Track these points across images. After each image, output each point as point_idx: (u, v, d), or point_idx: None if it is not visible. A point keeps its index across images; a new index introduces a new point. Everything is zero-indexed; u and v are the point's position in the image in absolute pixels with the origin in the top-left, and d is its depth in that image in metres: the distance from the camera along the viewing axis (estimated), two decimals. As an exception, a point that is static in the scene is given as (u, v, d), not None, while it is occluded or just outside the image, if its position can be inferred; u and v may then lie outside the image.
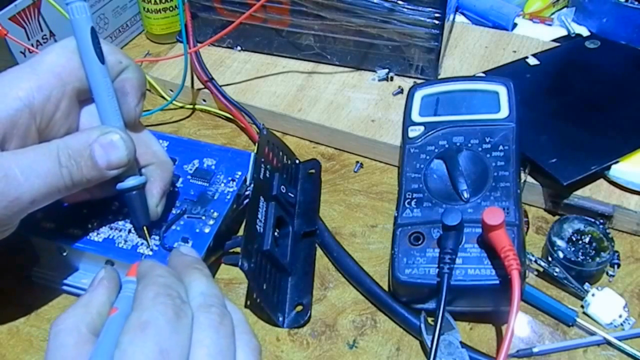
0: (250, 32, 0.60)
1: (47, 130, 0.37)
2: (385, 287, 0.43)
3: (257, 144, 0.46)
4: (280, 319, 0.41)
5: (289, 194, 0.47)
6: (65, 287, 0.43)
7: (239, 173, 0.46)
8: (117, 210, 0.43)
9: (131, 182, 0.39)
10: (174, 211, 0.43)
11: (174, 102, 0.59)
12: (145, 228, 0.41)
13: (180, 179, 0.46)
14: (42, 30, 0.57)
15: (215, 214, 0.43)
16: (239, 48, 0.62)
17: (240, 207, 0.46)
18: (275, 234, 0.43)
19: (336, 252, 0.45)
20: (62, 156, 0.35)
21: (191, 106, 0.58)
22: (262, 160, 0.45)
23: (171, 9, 0.64)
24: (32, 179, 0.34)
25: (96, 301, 0.32)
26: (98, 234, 0.42)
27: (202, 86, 0.57)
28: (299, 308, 0.42)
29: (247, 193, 0.46)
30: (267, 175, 0.45)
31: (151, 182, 0.40)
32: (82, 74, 0.37)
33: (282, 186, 0.46)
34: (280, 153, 0.49)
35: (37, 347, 0.41)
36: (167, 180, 0.41)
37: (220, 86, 0.56)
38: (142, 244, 0.41)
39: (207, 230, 0.42)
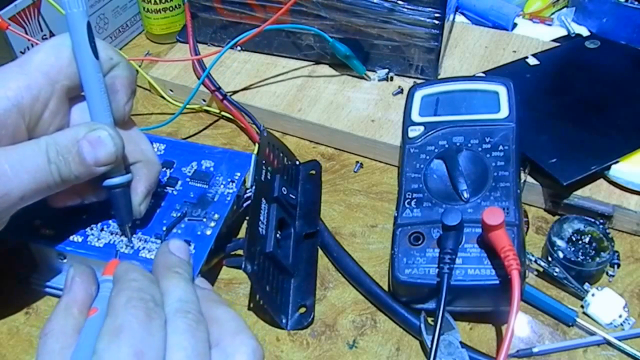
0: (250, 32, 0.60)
1: (36, 129, 0.36)
2: (385, 287, 0.43)
3: (257, 146, 0.45)
4: (284, 321, 0.41)
5: (290, 195, 0.46)
6: None
7: (238, 174, 0.46)
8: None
9: (117, 179, 0.38)
10: (174, 214, 0.43)
11: (173, 102, 0.59)
12: (127, 226, 0.41)
13: (180, 182, 0.45)
14: (42, 30, 0.57)
15: (216, 216, 0.43)
16: (239, 48, 0.62)
17: (240, 209, 0.46)
18: (277, 235, 0.43)
19: (336, 252, 0.45)
20: (50, 152, 0.35)
21: (191, 106, 0.58)
22: (263, 162, 0.45)
23: (171, 8, 0.64)
24: (22, 174, 0.34)
25: (74, 301, 0.33)
26: (99, 239, 0.41)
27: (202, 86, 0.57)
28: (302, 310, 0.42)
29: (247, 195, 0.46)
30: (268, 177, 0.45)
31: (137, 181, 0.40)
32: (71, 72, 0.37)
33: (283, 188, 0.46)
34: (281, 154, 0.49)
35: (37, 347, 0.40)
36: (152, 180, 0.41)
37: (220, 86, 0.56)
38: (143, 247, 0.41)
39: (208, 232, 0.42)
